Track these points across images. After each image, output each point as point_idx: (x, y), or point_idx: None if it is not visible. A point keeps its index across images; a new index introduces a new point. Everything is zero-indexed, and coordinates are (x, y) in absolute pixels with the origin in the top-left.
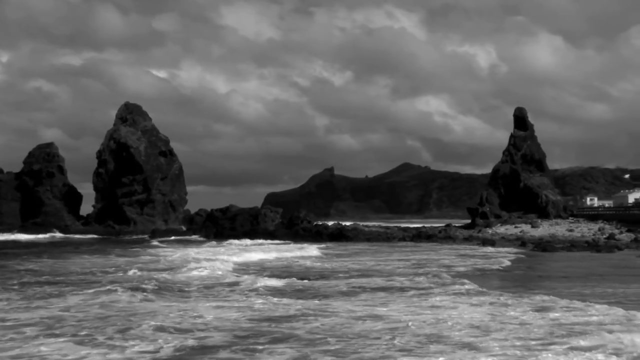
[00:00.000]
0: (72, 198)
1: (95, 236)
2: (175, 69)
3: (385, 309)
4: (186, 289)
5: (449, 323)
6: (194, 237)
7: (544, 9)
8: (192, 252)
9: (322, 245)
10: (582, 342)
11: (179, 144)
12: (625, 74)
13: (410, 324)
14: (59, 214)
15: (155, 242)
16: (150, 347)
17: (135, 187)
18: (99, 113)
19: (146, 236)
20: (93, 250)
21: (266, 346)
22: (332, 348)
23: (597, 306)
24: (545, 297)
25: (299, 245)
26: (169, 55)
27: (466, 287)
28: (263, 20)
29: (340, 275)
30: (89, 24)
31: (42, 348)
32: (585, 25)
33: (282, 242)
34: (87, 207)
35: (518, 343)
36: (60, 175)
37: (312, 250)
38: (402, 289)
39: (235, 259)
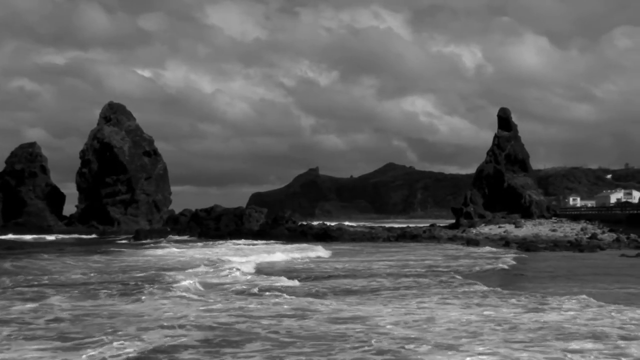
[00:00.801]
0: (55, 198)
1: (93, 236)
2: (161, 68)
3: None
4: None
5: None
6: (185, 237)
7: (530, 10)
8: (208, 252)
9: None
10: None
11: (165, 143)
12: (609, 75)
13: None
14: (42, 214)
15: (164, 243)
16: None
17: (119, 187)
18: (83, 112)
19: (129, 237)
20: (117, 252)
21: None
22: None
23: None
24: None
25: (303, 246)
26: (154, 54)
27: (478, 287)
28: (249, 20)
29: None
30: (74, 23)
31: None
32: (570, 26)
33: (283, 242)
34: (70, 207)
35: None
36: (43, 175)
37: (319, 250)
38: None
39: (263, 259)
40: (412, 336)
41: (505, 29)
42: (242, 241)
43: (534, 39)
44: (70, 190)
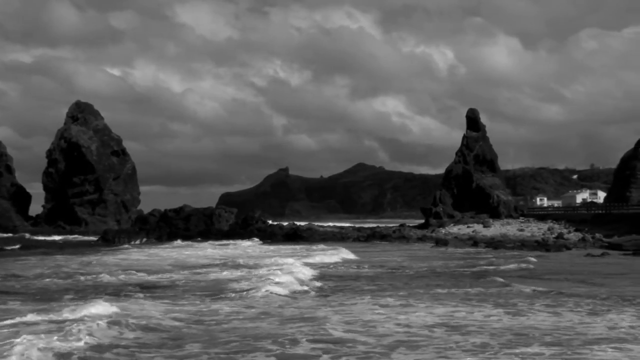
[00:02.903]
0: (21, 198)
1: (93, 238)
2: (131, 67)
3: None
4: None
5: None
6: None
7: (502, 11)
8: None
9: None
10: None
11: (135, 143)
12: (577, 76)
13: None
14: (7, 215)
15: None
16: None
17: (86, 187)
18: (50, 111)
19: (96, 237)
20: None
21: None
22: None
23: None
24: None
25: (321, 247)
26: (125, 53)
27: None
28: (219, 19)
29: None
30: (43, 20)
31: None
32: (541, 27)
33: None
34: (36, 208)
35: None
36: (8, 175)
37: (343, 251)
38: None
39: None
40: None
41: (477, 30)
42: (248, 242)
43: (506, 40)
44: (36, 190)
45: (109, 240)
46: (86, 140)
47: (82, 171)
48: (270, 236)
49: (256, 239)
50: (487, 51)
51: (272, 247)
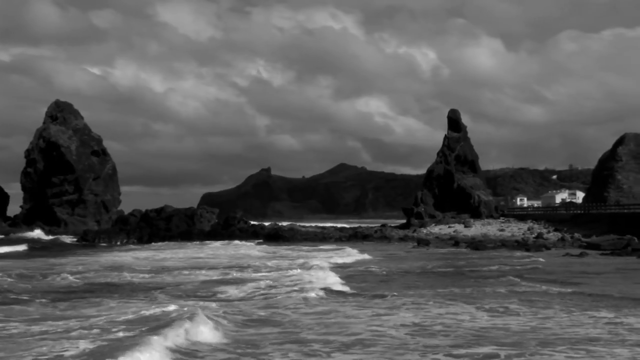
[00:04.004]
0: None
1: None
2: (112, 66)
3: None
4: None
5: None
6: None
7: (485, 12)
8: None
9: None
10: None
11: (116, 143)
12: (558, 77)
13: None
14: None
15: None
16: None
17: (66, 187)
18: (30, 111)
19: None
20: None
21: None
22: None
23: None
24: None
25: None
26: (106, 52)
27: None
28: (200, 19)
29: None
30: (23, 18)
31: None
32: (523, 28)
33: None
34: (14, 208)
35: None
36: None
37: (353, 253)
38: None
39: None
40: None
41: (461, 31)
42: (250, 242)
43: (489, 41)
44: (15, 191)
45: (89, 240)
46: (65, 140)
47: (62, 171)
48: (252, 236)
49: (256, 240)
50: (470, 52)
51: (271, 249)
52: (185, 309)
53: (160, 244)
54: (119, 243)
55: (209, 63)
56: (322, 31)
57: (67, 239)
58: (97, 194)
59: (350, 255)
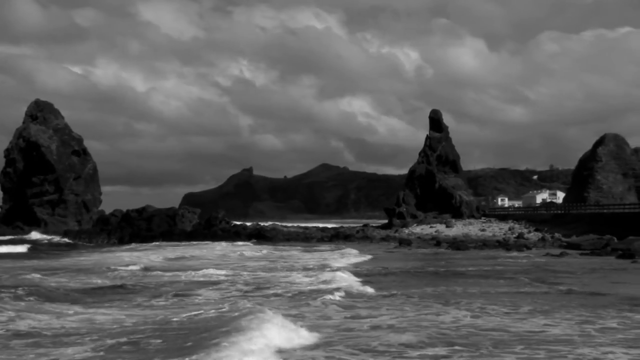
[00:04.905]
0: None
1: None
2: (93, 65)
3: None
4: None
5: None
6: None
7: (469, 12)
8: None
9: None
10: None
11: (98, 142)
12: (540, 78)
13: None
14: None
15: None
16: None
17: (46, 187)
18: (10, 110)
19: (58, 237)
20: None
21: None
22: None
23: None
24: None
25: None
26: (88, 51)
27: None
28: (182, 18)
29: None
30: (4, 17)
31: None
32: (506, 29)
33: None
34: None
35: None
36: None
37: (352, 252)
38: None
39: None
40: None
41: (444, 31)
42: (247, 243)
43: (472, 42)
44: None
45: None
46: (46, 139)
47: (42, 171)
48: (234, 236)
49: (253, 240)
50: (454, 52)
51: (265, 250)
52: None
53: (164, 243)
54: (113, 242)
55: (191, 62)
56: (305, 31)
57: (57, 238)
58: (77, 194)
59: (357, 255)
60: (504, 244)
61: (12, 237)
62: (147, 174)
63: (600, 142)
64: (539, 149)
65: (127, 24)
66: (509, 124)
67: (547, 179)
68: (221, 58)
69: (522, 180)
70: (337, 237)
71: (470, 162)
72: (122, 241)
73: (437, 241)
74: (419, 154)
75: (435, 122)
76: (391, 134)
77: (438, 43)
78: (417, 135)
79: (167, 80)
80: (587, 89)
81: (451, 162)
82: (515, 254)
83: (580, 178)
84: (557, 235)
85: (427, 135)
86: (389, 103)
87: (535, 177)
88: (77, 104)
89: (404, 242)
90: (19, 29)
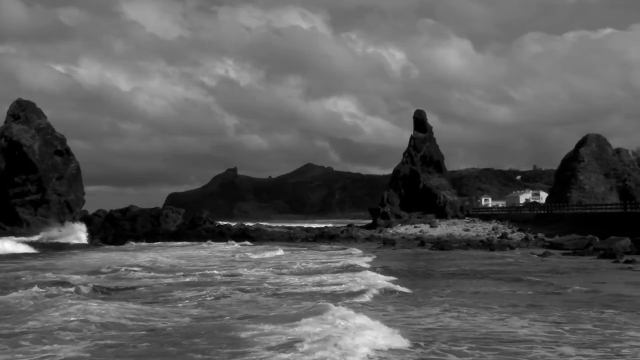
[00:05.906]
0: None
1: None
2: (77, 64)
3: None
4: None
5: None
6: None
7: (455, 12)
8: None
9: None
10: None
11: (82, 142)
12: (525, 78)
13: None
14: None
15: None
16: None
17: (28, 187)
18: None
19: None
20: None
21: None
22: None
23: None
24: None
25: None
26: (73, 50)
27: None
28: (166, 17)
29: None
30: None
31: None
32: (491, 29)
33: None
34: None
35: None
36: None
37: (356, 255)
38: None
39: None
40: None
41: (430, 31)
42: (245, 244)
43: (458, 42)
44: None
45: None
46: (28, 139)
47: (24, 171)
48: (218, 237)
49: (248, 242)
50: (440, 53)
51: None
52: None
53: (163, 243)
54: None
55: (176, 62)
56: (290, 31)
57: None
58: (60, 194)
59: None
60: (487, 244)
61: None
62: (131, 174)
63: (582, 143)
64: (523, 149)
65: (112, 23)
66: (493, 124)
67: (531, 179)
68: (206, 58)
69: (505, 181)
70: (322, 238)
71: (455, 162)
72: (106, 241)
73: (421, 241)
74: (403, 154)
75: (420, 122)
76: (377, 134)
77: (424, 43)
78: (402, 135)
79: (152, 79)
80: (570, 89)
81: (435, 162)
82: (497, 253)
83: (562, 178)
84: (540, 235)
85: (411, 135)
86: (375, 103)
87: (518, 177)
88: (62, 103)
89: (388, 242)
90: (3, 27)
